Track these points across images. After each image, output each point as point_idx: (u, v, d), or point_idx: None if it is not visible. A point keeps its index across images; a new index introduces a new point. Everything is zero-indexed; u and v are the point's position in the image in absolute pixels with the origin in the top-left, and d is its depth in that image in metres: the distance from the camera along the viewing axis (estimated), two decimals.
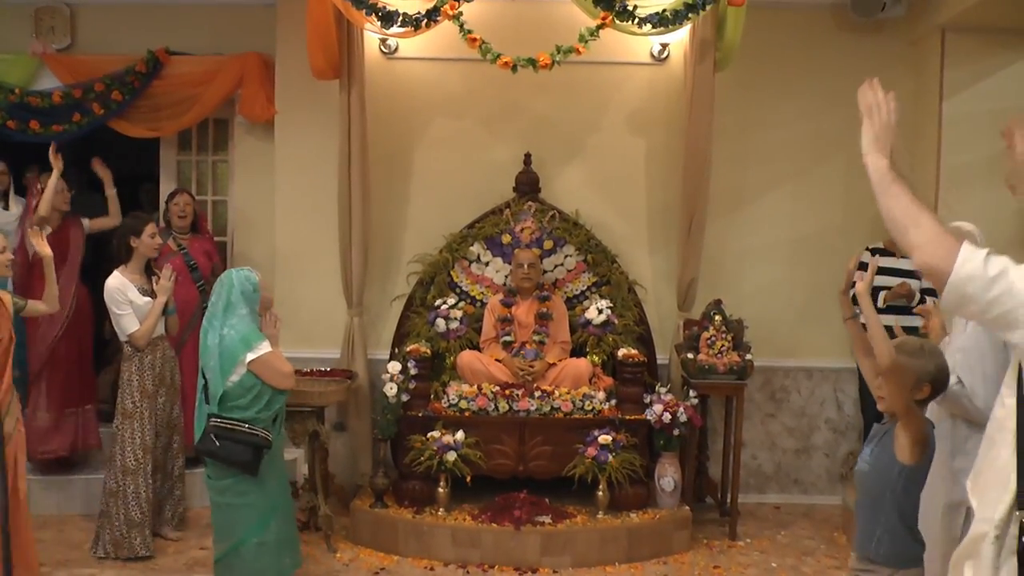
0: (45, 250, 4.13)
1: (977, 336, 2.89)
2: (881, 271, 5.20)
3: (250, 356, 3.53)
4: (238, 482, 3.58)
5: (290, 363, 3.71)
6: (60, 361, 5.12)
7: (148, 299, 4.55)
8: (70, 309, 5.09)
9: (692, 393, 4.93)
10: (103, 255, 5.00)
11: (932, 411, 3.08)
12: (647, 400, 4.88)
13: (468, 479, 4.67)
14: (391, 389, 4.79)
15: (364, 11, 4.67)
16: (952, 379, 2.88)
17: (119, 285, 4.50)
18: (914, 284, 5.06)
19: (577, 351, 5.15)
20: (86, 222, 5.37)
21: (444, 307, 5.13)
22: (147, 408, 4.54)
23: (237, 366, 3.52)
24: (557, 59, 4.70)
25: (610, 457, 4.62)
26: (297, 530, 4.00)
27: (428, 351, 4.98)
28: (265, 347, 3.59)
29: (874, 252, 5.25)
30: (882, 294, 5.04)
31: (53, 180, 5.04)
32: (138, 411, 4.52)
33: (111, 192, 5.49)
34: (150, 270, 4.68)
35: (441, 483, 4.67)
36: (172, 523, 4.79)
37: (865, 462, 2.79)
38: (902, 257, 5.16)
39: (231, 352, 3.53)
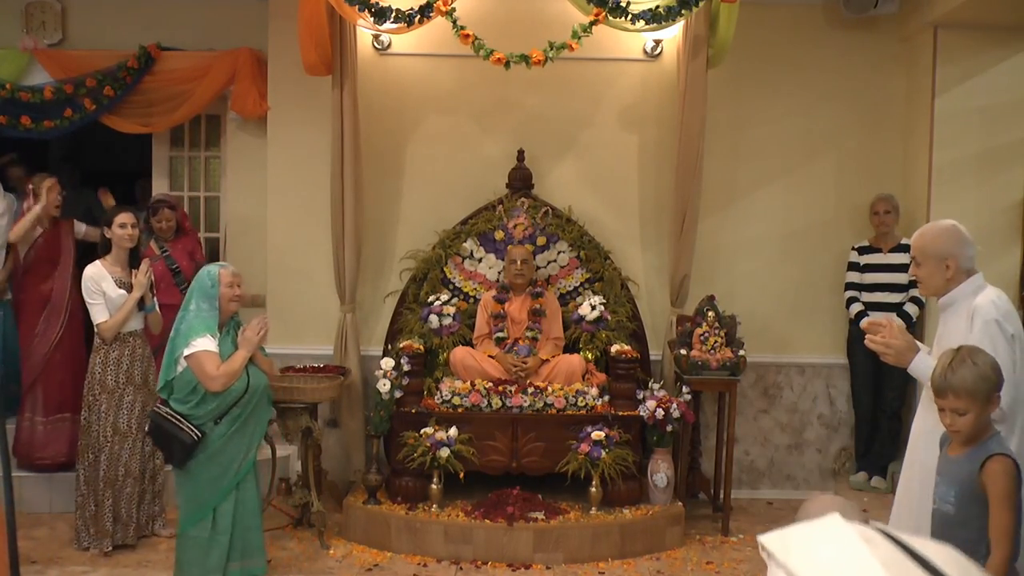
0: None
1: (990, 334, 2.76)
2: (868, 268, 5.25)
3: (185, 351, 3.58)
4: (176, 473, 3.71)
5: (229, 367, 3.59)
6: (55, 368, 5.04)
7: (123, 292, 4.51)
8: (64, 315, 5.03)
9: (685, 389, 4.93)
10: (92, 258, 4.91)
11: (922, 418, 3.08)
12: (640, 396, 4.89)
13: (461, 475, 4.67)
14: (384, 385, 4.79)
15: (357, 7, 4.65)
16: None
17: (94, 275, 4.48)
18: (899, 278, 5.09)
19: (570, 347, 5.15)
20: (82, 228, 5.27)
21: (437, 303, 5.12)
22: (104, 402, 4.48)
23: (181, 359, 3.60)
24: (550, 55, 4.70)
25: (603, 453, 4.63)
26: (259, 541, 3.84)
27: (421, 347, 4.98)
28: (202, 344, 3.58)
29: (861, 250, 5.29)
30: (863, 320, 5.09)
31: (34, 212, 4.99)
32: (97, 404, 4.49)
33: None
34: (138, 263, 4.64)
35: (434, 479, 4.67)
36: (158, 524, 4.72)
37: (948, 503, 2.57)
38: (889, 252, 5.21)
39: (176, 346, 3.61)
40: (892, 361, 2.97)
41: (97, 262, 4.55)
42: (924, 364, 2.87)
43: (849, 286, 5.27)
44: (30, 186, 5.13)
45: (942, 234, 2.97)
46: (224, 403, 3.64)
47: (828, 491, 5.55)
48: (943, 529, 2.58)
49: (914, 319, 5.09)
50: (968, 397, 2.47)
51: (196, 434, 3.58)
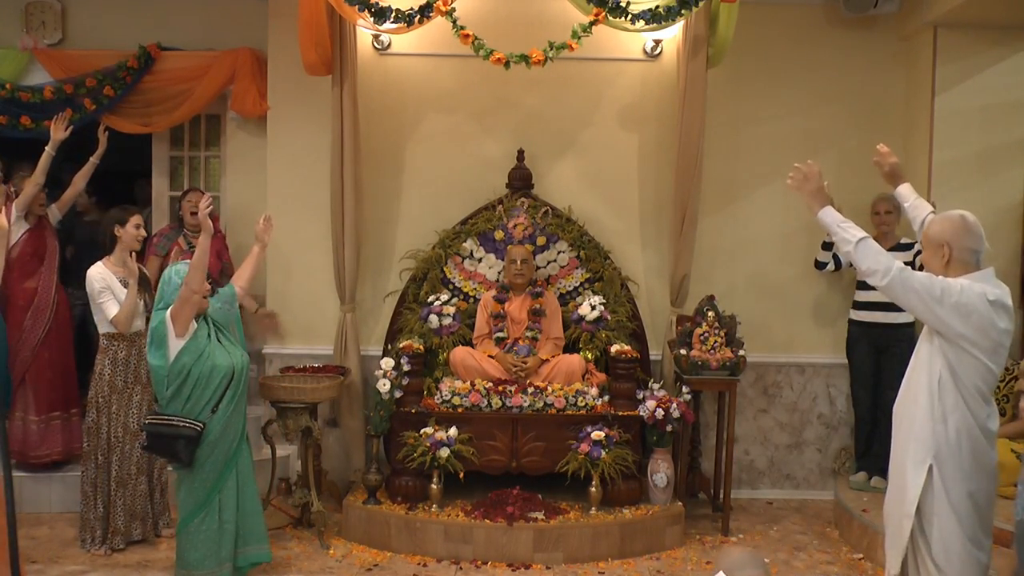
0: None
1: (940, 279, 2.89)
2: None
3: (169, 332, 3.66)
4: (176, 469, 3.81)
5: (193, 263, 3.74)
6: (44, 366, 5.04)
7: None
8: (51, 312, 5.03)
9: (685, 389, 4.93)
10: (89, 257, 4.90)
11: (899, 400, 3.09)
12: (640, 396, 4.89)
13: (461, 475, 4.68)
14: (384, 385, 4.79)
15: (356, 7, 4.65)
16: None
17: (100, 275, 4.49)
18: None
19: (570, 347, 5.15)
20: (54, 209, 5.23)
21: (437, 303, 5.13)
22: (115, 402, 4.51)
23: (164, 346, 3.65)
24: (550, 55, 4.70)
25: (603, 453, 4.63)
26: (262, 524, 3.99)
27: (421, 347, 4.98)
28: (166, 314, 3.69)
29: None
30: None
31: (45, 159, 5.04)
32: (105, 404, 4.51)
33: (92, 160, 5.33)
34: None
35: (434, 479, 4.67)
36: (162, 523, 4.74)
37: None
38: (889, 251, 5.18)
39: (156, 334, 3.67)
40: (794, 187, 3.39)
41: (99, 263, 4.55)
42: (830, 217, 3.32)
43: (826, 246, 5.19)
44: (12, 189, 5.11)
45: (944, 221, 3.00)
46: (212, 387, 3.71)
47: (828, 491, 5.56)
48: None
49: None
50: None
51: (197, 426, 3.66)
